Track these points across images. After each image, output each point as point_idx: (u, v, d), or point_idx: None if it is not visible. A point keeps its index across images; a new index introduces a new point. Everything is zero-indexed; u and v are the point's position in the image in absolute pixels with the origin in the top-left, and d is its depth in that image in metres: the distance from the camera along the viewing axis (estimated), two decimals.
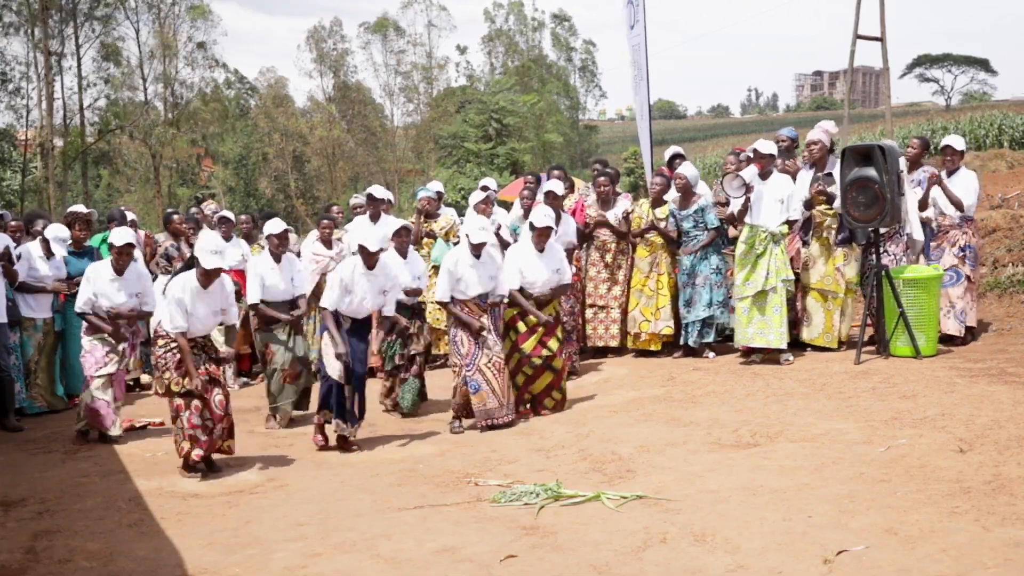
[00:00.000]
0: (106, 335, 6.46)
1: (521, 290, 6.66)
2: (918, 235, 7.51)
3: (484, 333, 6.37)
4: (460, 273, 6.37)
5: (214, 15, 37.31)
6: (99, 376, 6.45)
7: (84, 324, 6.55)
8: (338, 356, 5.99)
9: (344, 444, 6.11)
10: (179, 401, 5.47)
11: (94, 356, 6.47)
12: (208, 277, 5.53)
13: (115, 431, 6.47)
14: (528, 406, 6.76)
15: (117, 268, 6.46)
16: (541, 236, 6.63)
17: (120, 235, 6.45)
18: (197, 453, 5.50)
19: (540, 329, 6.68)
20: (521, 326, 6.71)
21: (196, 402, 5.49)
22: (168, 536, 4.44)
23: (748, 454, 5.07)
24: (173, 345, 5.48)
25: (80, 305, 6.45)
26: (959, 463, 4.49)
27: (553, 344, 6.73)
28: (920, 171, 7.82)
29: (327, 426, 6.16)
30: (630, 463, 5.12)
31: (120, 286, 6.47)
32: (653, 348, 8.21)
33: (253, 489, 5.29)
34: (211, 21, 37.08)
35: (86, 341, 6.52)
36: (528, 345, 6.67)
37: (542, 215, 6.68)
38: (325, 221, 8.68)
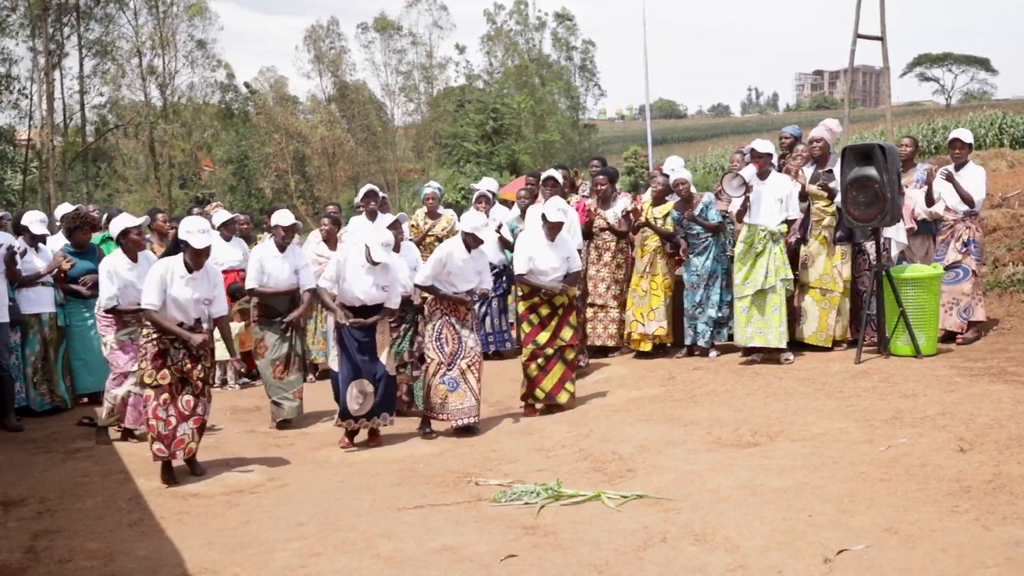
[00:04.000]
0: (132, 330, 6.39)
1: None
2: (900, 237, 7.60)
3: (465, 330, 6.42)
4: (451, 266, 6.40)
5: (211, 12, 37.29)
6: (136, 371, 6.39)
7: (102, 322, 6.51)
8: (340, 343, 6.04)
9: (373, 437, 6.18)
10: (149, 392, 5.40)
11: (125, 352, 6.38)
12: (198, 258, 5.44)
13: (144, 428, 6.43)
14: (538, 404, 6.77)
15: (131, 256, 6.42)
16: (553, 229, 6.67)
17: (118, 224, 6.44)
18: (159, 448, 5.37)
19: (553, 321, 6.70)
20: (534, 318, 6.74)
21: (165, 396, 5.40)
22: (168, 536, 4.43)
23: (748, 453, 5.07)
24: (155, 336, 5.40)
25: (105, 303, 6.33)
26: (960, 462, 4.49)
27: (566, 333, 6.78)
28: (921, 168, 7.81)
29: (354, 427, 6.19)
30: (630, 463, 5.12)
31: (139, 274, 6.38)
32: (644, 348, 8.21)
33: (253, 489, 5.29)
34: (208, 19, 37.07)
35: (111, 338, 6.43)
36: (542, 337, 6.71)
37: (555, 209, 6.71)
38: (326, 219, 8.64)
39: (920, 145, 22.05)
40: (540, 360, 6.70)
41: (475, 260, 6.49)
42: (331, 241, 8.48)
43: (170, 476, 5.45)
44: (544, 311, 6.74)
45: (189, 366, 5.46)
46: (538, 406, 6.77)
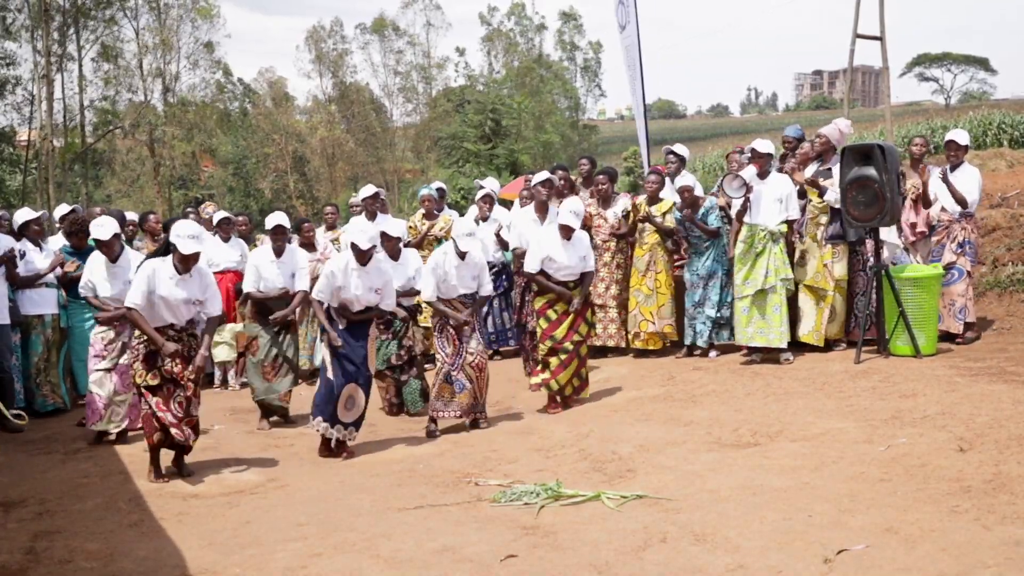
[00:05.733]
0: (110, 326, 6.43)
1: (545, 275, 6.74)
2: (892, 238, 7.64)
3: (467, 331, 6.44)
4: (444, 274, 6.42)
5: (220, 17, 37.30)
6: (96, 370, 6.42)
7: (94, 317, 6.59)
8: (333, 351, 5.96)
9: (341, 448, 6.03)
10: (145, 392, 5.38)
11: (95, 348, 6.46)
12: (186, 263, 5.38)
13: (101, 426, 6.41)
14: (559, 399, 6.79)
15: (108, 256, 6.46)
16: (565, 230, 6.69)
17: (99, 228, 6.45)
18: (176, 433, 5.35)
19: (571, 315, 6.73)
20: (552, 314, 6.77)
21: (161, 394, 5.37)
22: (168, 536, 4.43)
23: (748, 453, 5.07)
24: (145, 337, 5.37)
25: (80, 289, 6.57)
26: (959, 462, 4.49)
27: (583, 329, 6.83)
28: (929, 169, 7.85)
29: (328, 432, 6.06)
30: (630, 463, 5.12)
31: (112, 273, 6.43)
32: (652, 347, 8.21)
33: (253, 489, 5.29)
34: (214, 24, 37.04)
35: (93, 334, 6.54)
36: (560, 332, 6.73)
37: (568, 212, 6.72)
38: (306, 224, 8.62)
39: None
40: (561, 355, 6.73)
41: (469, 266, 6.49)
42: (308, 246, 8.45)
43: (182, 467, 5.59)
44: (561, 307, 6.77)
45: (180, 367, 5.40)
46: (558, 399, 6.78)
